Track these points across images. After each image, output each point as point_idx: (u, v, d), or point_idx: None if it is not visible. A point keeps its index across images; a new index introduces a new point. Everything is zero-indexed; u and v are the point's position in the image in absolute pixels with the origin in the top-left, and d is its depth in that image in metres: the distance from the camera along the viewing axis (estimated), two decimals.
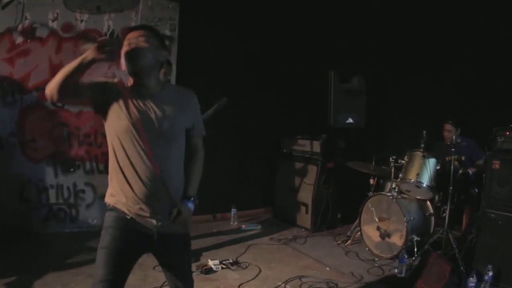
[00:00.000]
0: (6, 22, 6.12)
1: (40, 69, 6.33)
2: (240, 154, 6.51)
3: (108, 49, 2.52)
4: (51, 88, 2.48)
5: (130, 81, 2.81)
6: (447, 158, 6.10)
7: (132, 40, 2.72)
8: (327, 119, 7.47)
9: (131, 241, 2.77)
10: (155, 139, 2.75)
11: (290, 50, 8.00)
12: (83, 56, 2.51)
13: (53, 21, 6.38)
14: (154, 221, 2.79)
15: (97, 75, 2.75)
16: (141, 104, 2.77)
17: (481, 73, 6.45)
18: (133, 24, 6.71)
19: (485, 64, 6.39)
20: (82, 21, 6.51)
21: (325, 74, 7.48)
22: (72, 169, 6.66)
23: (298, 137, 7.86)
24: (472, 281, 4.73)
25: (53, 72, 5.96)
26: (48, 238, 6.25)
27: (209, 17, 7.11)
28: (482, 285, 4.79)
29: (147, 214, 2.76)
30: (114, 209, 2.80)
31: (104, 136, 6.23)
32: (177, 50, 7.11)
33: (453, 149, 5.78)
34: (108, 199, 2.86)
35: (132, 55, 2.67)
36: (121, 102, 2.74)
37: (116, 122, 2.73)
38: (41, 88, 6.29)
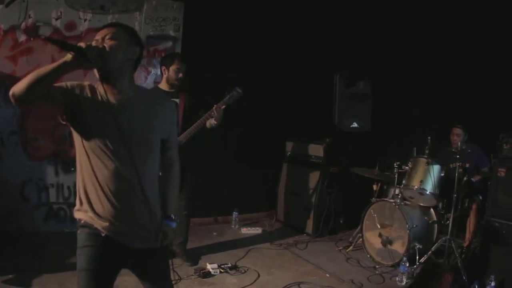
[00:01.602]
0: (9, 19, 6.11)
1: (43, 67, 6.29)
2: (243, 157, 6.47)
3: (88, 57, 2.34)
4: (21, 88, 2.25)
5: (100, 86, 2.59)
6: (451, 165, 6.04)
7: (98, 40, 2.56)
8: (332, 123, 7.43)
9: (109, 258, 2.62)
10: (130, 150, 2.54)
11: (295, 53, 7.96)
12: (61, 61, 2.31)
13: (56, 19, 6.37)
14: (130, 238, 2.66)
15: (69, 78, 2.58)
16: (113, 111, 2.55)
17: (489, 79, 6.40)
18: (137, 24, 6.76)
19: (493, 70, 6.34)
20: (85, 20, 6.51)
21: (330, 77, 7.46)
22: (73, 169, 6.57)
23: (302, 141, 7.83)
24: None
25: None
26: (48, 237, 6.22)
27: (213, 18, 7.09)
28: None
29: (123, 230, 2.62)
30: (86, 225, 2.62)
31: None
32: (181, 51, 7.10)
33: (457, 156, 5.69)
34: (78, 214, 2.67)
35: (96, 53, 2.42)
36: (92, 109, 2.54)
37: (87, 131, 2.54)
38: None
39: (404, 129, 7.75)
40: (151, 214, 2.69)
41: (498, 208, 5.13)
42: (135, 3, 6.72)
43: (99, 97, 2.57)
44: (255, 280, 5.30)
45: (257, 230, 7.40)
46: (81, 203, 2.64)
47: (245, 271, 5.55)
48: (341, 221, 7.50)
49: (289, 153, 8.09)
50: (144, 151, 2.65)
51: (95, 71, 2.51)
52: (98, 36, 2.57)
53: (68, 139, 6.55)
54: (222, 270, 5.45)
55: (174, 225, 2.89)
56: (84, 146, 2.55)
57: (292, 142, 8.06)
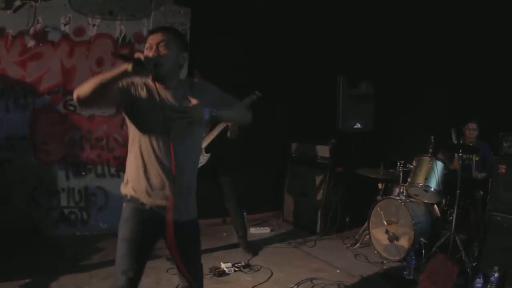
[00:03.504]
0: (18, 25, 6.29)
1: (52, 72, 6.53)
2: (250, 159, 6.73)
3: (145, 68, 2.79)
4: (85, 93, 2.72)
5: (152, 83, 3.01)
6: (463, 156, 6.25)
7: (153, 45, 2.94)
8: (335, 123, 7.72)
9: (148, 230, 3.07)
10: (176, 134, 3.02)
11: (299, 55, 8.17)
12: (122, 70, 2.72)
13: (65, 25, 6.57)
14: (171, 211, 3.06)
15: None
16: (162, 103, 3.01)
17: (492, 78, 6.67)
18: (145, 29, 6.96)
19: (495, 69, 6.60)
20: (94, 25, 6.72)
21: (333, 79, 7.74)
22: (83, 173, 6.85)
23: (307, 141, 8.08)
24: (478, 282, 4.92)
25: (65, 75, 6.36)
26: (60, 241, 6.42)
27: (219, 23, 7.27)
28: (488, 286, 4.99)
29: (164, 204, 3.05)
30: (131, 199, 3.09)
31: (115, 140, 6.61)
32: (189, 55, 7.26)
33: (460, 152, 6.08)
34: (124, 189, 3.14)
35: (153, 63, 2.86)
36: (144, 105, 3.00)
37: (140, 122, 3.04)
38: (53, 91, 6.55)
39: (407, 128, 7.94)
40: (189, 192, 3.22)
41: (499, 202, 5.47)
42: (143, 9, 6.94)
43: (151, 95, 3.03)
44: (269, 278, 5.56)
45: (266, 230, 7.68)
46: (127, 181, 3.14)
47: (259, 269, 5.81)
48: (348, 219, 7.72)
49: (294, 154, 8.35)
50: (188, 135, 3.12)
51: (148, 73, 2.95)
52: (153, 41, 2.96)
53: (79, 143, 6.80)
54: (236, 269, 5.71)
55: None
56: (137, 134, 3.06)
57: (298, 143, 8.32)
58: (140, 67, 2.75)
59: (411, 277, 5.60)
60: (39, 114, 6.57)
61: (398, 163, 6.63)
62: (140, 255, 3.06)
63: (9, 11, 6.25)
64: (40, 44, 6.48)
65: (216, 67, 7.09)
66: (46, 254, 5.94)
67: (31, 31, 6.39)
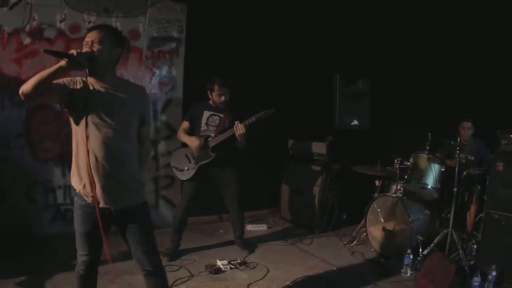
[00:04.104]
0: (14, 22, 6.29)
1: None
2: (247, 156, 6.75)
3: (79, 62, 3.06)
4: (28, 88, 2.96)
5: (90, 78, 3.31)
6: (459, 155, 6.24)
7: (88, 42, 3.23)
8: (332, 121, 7.75)
9: (95, 222, 3.34)
10: (112, 129, 3.31)
11: (295, 53, 8.21)
12: (57, 66, 3.02)
13: (60, 22, 6.57)
14: (104, 203, 3.36)
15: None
16: (101, 97, 3.30)
17: (488, 76, 6.69)
18: (141, 26, 7.01)
19: (492, 67, 6.63)
20: (90, 22, 6.69)
21: (330, 76, 7.75)
22: None
23: (304, 139, 8.09)
24: (476, 280, 4.94)
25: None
26: (56, 239, 6.37)
27: (216, 19, 7.30)
28: (486, 284, 5.01)
29: (102, 197, 3.35)
30: (77, 194, 3.44)
31: None
32: (185, 52, 7.35)
33: (458, 150, 6.05)
34: (72, 182, 3.46)
35: (84, 58, 3.10)
36: (83, 98, 3.23)
37: (79, 114, 3.26)
38: None
39: (403, 125, 8.00)
40: (128, 179, 3.47)
41: (497, 200, 5.47)
42: (139, 6, 6.95)
43: (88, 88, 3.28)
44: (265, 275, 5.57)
45: (263, 227, 7.73)
46: (72, 171, 3.43)
47: (255, 267, 5.82)
48: (344, 217, 7.78)
49: (291, 151, 8.37)
50: (123, 127, 3.40)
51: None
52: (88, 39, 3.25)
53: None
54: (232, 266, 5.74)
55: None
56: (76, 126, 3.32)
57: (294, 140, 8.34)
58: (74, 62, 3.03)
59: (408, 275, 5.63)
60: (35, 112, 6.58)
61: (395, 160, 6.64)
62: (91, 244, 3.53)
63: (4, 9, 6.24)
64: (36, 41, 6.47)
65: (211, 63, 7.18)
66: (41, 252, 5.98)
67: (27, 28, 6.39)
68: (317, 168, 7.76)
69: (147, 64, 7.12)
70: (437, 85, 7.46)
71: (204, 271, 5.58)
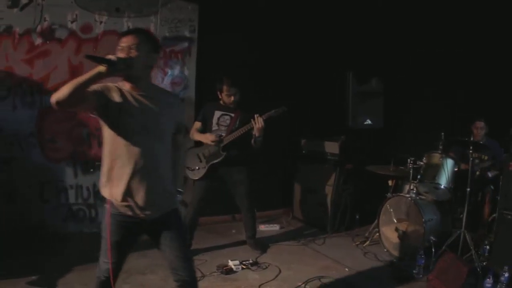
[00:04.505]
0: (25, 23, 6.32)
1: (59, 70, 6.55)
2: (259, 155, 6.76)
3: (118, 68, 2.98)
4: (62, 97, 2.87)
5: (125, 84, 3.25)
6: (474, 155, 6.22)
7: (124, 47, 3.14)
8: (345, 120, 7.69)
9: (126, 232, 3.34)
10: (149, 137, 3.24)
11: (308, 52, 8.15)
12: (96, 72, 2.92)
13: (72, 22, 6.59)
14: (142, 212, 3.29)
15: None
16: (137, 105, 3.22)
17: (501, 75, 6.65)
18: (152, 26, 7.00)
19: (507, 66, 6.58)
20: (101, 22, 6.74)
21: (343, 75, 7.70)
22: (91, 170, 6.88)
23: (317, 138, 8.04)
24: (488, 281, 4.89)
25: (73, 73, 6.35)
26: (68, 238, 6.48)
27: (227, 19, 7.27)
28: (498, 286, 4.96)
29: (136, 206, 3.26)
30: (109, 203, 3.33)
31: None
32: (197, 51, 7.34)
33: (481, 146, 6.18)
34: (103, 191, 3.36)
35: (123, 64, 3.03)
36: (118, 106, 3.16)
37: (115, 123, 3.18)
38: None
39: (416, 125, 7.91)
40: (165, 187, 3.41)
41: (510, 201, 5.41)
42: (151, 5, 6.95)
43: (124, 96, 3.19)
44: (276, 276, 5.56)
45: (275, 227, 7.70)
46: (103, 182, 3.34)
47: (266, 267, 5.81)
48: (357, 217, 7.72)
49: (304, 150, 8.31)
50: (160, 136, 3.34)
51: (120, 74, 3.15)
52: (124, 44, 3.16)
53: (87, 140, 6.83)
54: (244, 267, 5.73)
55: (179, 197, 3.58)
56: (111, 135, 3.21)
57: (307, 140, 8.28)
58: (113, 68, 2.93)
59: (421, 276, 5.59)
60: (46, 112, 6.59)
61: (408, 160, 6.59)
62: (117, 253, 3.37)
63: (15, 10, 6.27)
64: (47, 42, 6.50)
65: (223, 62, 7.12)
66: (53, 251, 5.99)
67: (38, 29, 6.42)
68: (330, 167, 7.70)
69: (159, 64, 7.08)
70: (450, 85, 7.40)
71: (215, 271, 5.58)
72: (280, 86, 7.87)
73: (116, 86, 3.23)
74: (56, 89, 6.23)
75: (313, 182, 7.95)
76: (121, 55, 3.10)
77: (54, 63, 6.57)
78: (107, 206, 3.38)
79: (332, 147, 7.76)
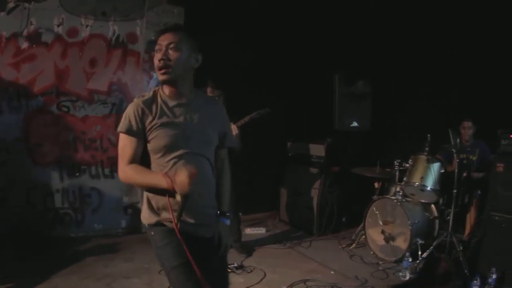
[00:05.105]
0: (11, 27, 6.19)
1: (45, 74, 6.41)
2: (246, 158, 6.54)
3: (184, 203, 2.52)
4: (124, 178, 2.70)
5: (165, 90, 2.79)
6: (461, 156, 6.15)
7: (162, 48, 2.69)
8: (331, 122, 7.50)
9: (193, 249, 2.60)
10: (193, 147, 2.76)
11: (295, 54, 7.98)
12: (162, 185, 2.53)
13: (58, 26, 6.44)
14: (198, 228, 2.79)
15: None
16: (177, 112, 2.76)
17: (488, 76, 6.44)
18: (138, 29, 6.83)
19: (492, 67, 6.38)
20: (87, 26, 6.56)
21: (330, 78, 7.50)
22: (77, 174, 6.72)
23: (303, 140, 7.86)
24: (476, 283, 4.72)
25: (59, 77, 6.30)
26: (54, 242, 6.33)
27: (213, 22, 7.07)
28: (486, 287, 4.77)
29: (192, 222, 2.74)
30: (156, 224, 2.74)
31: (109, 141, 6.66)
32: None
33: (468, 148, 6.07)
34: (147, 216, 2.80)
35: (162, 67, 2.66)
36: (156, 120, 2.71)
37: (157, 137, 2.71)
38: (47, 92, 6.45)
39: (404, 127, 7.77)
40: (210, 202, 2.92)
41: (498, 202, 5.17)
42: (137, 9, 6.76)
43: (160, 108, 2.74)
44: (261, 279, 5.36)
45: (261, 230, 7.47)
46: (151, 208, 2.77)
47: (251, 271, 5.62)
48: (344, 219, 7.51)
49: (290, 153, 8.11)
50: (204, 147, 2.85)
51: (158, 78, 2.74)
52: (163, 42, 2.70)
53: (73, 145, 6.66)
54: (229, 270, 5.24)
55: (228, 222, 3.03)
56: (153, 149, 2.74)
57: (294, 142, 8.09)
58: (185, 201, 2.51)
59: (407, 278, 5.39)
60: (33, 116, 6.47)
61: (395, 162, 6.39)
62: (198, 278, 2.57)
63: (2, 13, 6.18)
64: (34, 46, 6.37)
65: (210, 66, 6.78)
66: (41, 256, 5.83)
67: (25, 32, 6.29)
68: (316, 170, 7.48)
69: (145, 68, 6.89)
70: (437, 86, 7.19)
71: None
72: (267, 88, 7.71)
73: (152, 97, 2.78)
74: (42, 93, 6.26)
75: (299, 185, 7.74)
76: (157, 56, 2.70)
77: (41, 67, 6.44)
78: (152, 232, 2.79)
79: (318, 150, 7.56)
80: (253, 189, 7.92)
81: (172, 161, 2.71)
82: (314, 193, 7.39)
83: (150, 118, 2.71)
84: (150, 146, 2.74)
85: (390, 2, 7.28)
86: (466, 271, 5.27)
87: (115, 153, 6.62)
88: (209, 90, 5.88)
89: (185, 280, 2.59)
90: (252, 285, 5.18)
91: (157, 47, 2.72)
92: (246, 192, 7.19)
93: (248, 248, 6.41)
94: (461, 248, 5.54)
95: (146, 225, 2.82)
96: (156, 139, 2.71)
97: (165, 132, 2.70)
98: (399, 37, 7.56)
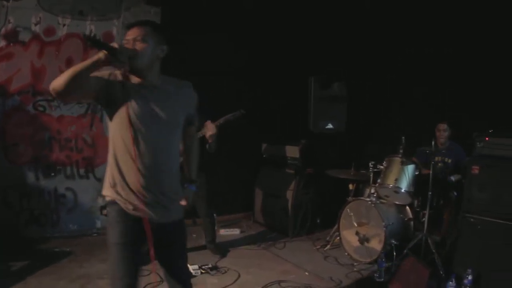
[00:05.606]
0: None
1: (22, 73, 6.16)
2: (220, 159, 6.37)
3: (118, 58, 2.57)
4: (59, 84, 2.48)
5: (131, 76, 2.83)
6: (436, 158, 6.06)
7: (130, 40, 2.76)
8: (307, 125, 7.37)
9: (137, 233, 2.81)
10: (158, 131, 2.81)
11: (271, 56, 7.87)
12: (95, 59, 2.52)
13: (35, 25, 6.19)
14: (153, 213, 2.83)
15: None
16: (144, 97, 2.80)
17: (464, 79, 6.36)
18: (115, 29, 6.65)
19: (468, 70, 6.28)
20: (64, 25, 6.33)
21: (305, 80, 7.38)
22: (53, 174, 6.46)
23: (278, 142, 7.73)
24: (451, 285, 4.57)
25: (35, 76, 6.01)
26: (30, 242, 6.09)
27: (190, 23, 7.00)
28: None
29: (146, 207, 2.80)
30: (114, 203, 2.83)
31: (84, 141, 6.35)
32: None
33: (443, 151, 6.01)
34: (107, 191, 2.88)
35: (126, 54, 2.64)
36: (124, 95, 2.76)
37: (120, 115, 2.76)
38: (23, 92, 6.19)
39: (379, 129, 7.68)
40: (174, 185, 2.96)
41: (473, 204, 5.06)
42: (114, 9, 6.58)
43: (130, 85, 2.79)
44: (235, 280, 5.21)
45: (235, 231, 7.29)
46: (108, 182, 2.86)
47: (226, 271, 5.45)
48: (318, 221, 7.37)
49: (265, 154, 7.99)
50: (169, 129, 2.89)
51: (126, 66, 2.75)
52: (130, 36, 2.77)
53: (48, 144, 6.43)
54: (203, 271, 5.37)
55: (194, 188, 3.19)
56: (116, 129, 2.80)
57: (268, 144, 7.97)
58: (114, 57, 2.55)
59: (382, 279, 5.20)
60: (9, 115, 6.18)
61: (369, 164, 6.24)
62: (133, 260, 2.83)
63: None
64: (11, 44, 6.09)
65: (185, 67, 6.63)
66: (15, 256, 5.59)
67: (3, 31, 6.01)
68: (290, 171, 7.32)
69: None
70: (413, 89, 7.12)
71: None
72: (242, 90, 7.58)
73: (120, 73, 2.84)
74: (19, 92, 5.94)
75: (274, 186, 7.57)
76: (126, 46, 2.73)
77: (17, 66, 6.15)
78: (109, 208, 2.91)
79: (292, 151, 7.41)
80: (228, 190, 7.78)
81: (135, 138, 2.74)
82: (289, 194, 7.22)
83: (116, 86, 2.75)
84: (111, 120, 2.81)
85: (364, 5, 7.25)
86: (441, 272, 5.16)
87: (90, 153, 6.64)
88: None
89: (120, 258, 2.76)
90: (226, 286, 5.03)
91: (124, 41, 2.78)
92: (221, 193, 7.07)
93: (222, 249, 6.22)
94: (436, 249, 5.39)
95: (106, 200, 2.91)
96: (119, 112, 2.76)
97: (128, 107, 2.74)
98: (374, 40, 7.53)
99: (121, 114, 2.76)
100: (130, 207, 2.79)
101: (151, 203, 2.80)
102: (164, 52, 2.88)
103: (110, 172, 2.86)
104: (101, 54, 2.51)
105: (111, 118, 2.82)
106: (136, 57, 2.70)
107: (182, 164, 3.16)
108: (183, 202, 2.98)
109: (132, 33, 2.77)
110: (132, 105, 2.75)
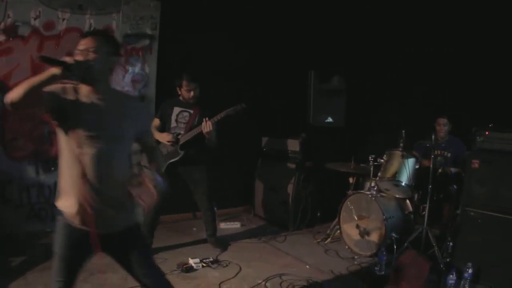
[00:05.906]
0: None
1: (21, 68, 6.06)
2: (221, 153, 6.37)
3: (73, 72, 2.61)
4: (15, 97, 2.50)
5: (83, 87, 2.83)
6: (436, 152, 6.06)
7: (82, 50, 2.77)
8: (306, 118, 7.42)
9: (78, 247, 2.87)
10: (104, 143, 2.81)
11: (270, 50, 7.83)
12: (50, 74, 2.55)
13: (35, 19, 6.12)
14: (99, 225, 2.84)
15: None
16: (92, 108, 2.81)
17: (463, 74, 6.37)
18: (114, 23, 6.56)
19: (467, 65, 6.30)
20: (63, 19, 6.26)
21: (305, 74, 7.41)
22: (53, 168, 6.38)
23: (278, 136, 7.71)
24: (451, 278, 4.57)
25: (35, 71, 5.82)
26: (30, 237, 6.02)
27: (190, 17, 6.95)
28: (462, 282, 4.62)
29: (91, 219, 2.82)
30: (62, 214, 2.89)
31: None
32: (158, 49, 6.95)
33: (443, 145, 6.02)
34: (58, 202, 2.93)
35: (80, 67, 2.66)
36: (74, 108, 2.76)
37: (69, 126, 2.77)
38: None
39: (379, 123, 7.68)
40: (121, 195, 2.95)
41: (473, 198, 5.08)
42: (113, 2, 6.52)
43: (81, 97, 2.79)
44: (237, 273, 5.20)
45: (236, 225, 7.28)
46: (61, 193, 2.88)
47: (227, 265, 5.44)
48: (319, 214, 7.36)
49: (265, 148, 7.95)
50: (117, 143, 2.89)
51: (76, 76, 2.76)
52: (82, 47, 2.76)
53: (48, 139, 6.35)
54: (204, 265, 5.34)
55: (160, 178, 3.15)
56: (65, 140, 2.79)
57: (268, 137, 7.93)
58: (69, 71, 2.59)
59: (382, 273, 5.23)
60: (7, 111, 5.92)
61: (369, 157, 6.22)
62: (69, 270, 2.93)
63: None
64: (10, 39, 6.01)
65: (185, 61, 6.84)
66: (15, 251, 5.54)
67: (2, 25, 5.93)
68: (290, 165, 7.30)
69: (120, 62, 6.61)
70: (413, 83, 7.11)
71: (175, 270, 5.17)
72: (242, 84, 7.54)
73: (73, 87, 2.83)
74: None
75: (274, 180, 7.57)
76: (78, 58, 2.72)
77: (17, 61, 6.06)
78: (58, 217, 2.94)
79: (292, 145, 7.37)
80: (228, 183, 7.77)
81: (83, 150, 2.76)
82: (289, 188, 7.22)
83: (67, 100, 2.76)
84: (62, 133, 2.81)
85: (381, 3, 7.20)
86: (442, 266, 5.16)
87: None
88: (184, 83, 5.67)
89: (56, 265, 2.87)
90: (227, 279, 5.00)
91: (77, 50, 2.79)
92: (221, 187, 7.07)
93: (223, 243, 6.21)
94: (437, 243, 5.39)
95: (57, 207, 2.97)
96: (69, 124, 2.77)
97: (78, 120, 2.76)
98: (375, 34, 7.53)
99: (70, 126, 2.76)
100: (76, 221, 2.82)
101: (97, 214, 2.81)
102: (115, 63, 2.96)
103: (59, 182, 2.89)
104: (55, 70, 2.54)
105: (62, 130, 2.81)
106: (88, 68, 2.71)
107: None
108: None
109: (85, 44, 2.79)
110: (81, 116, 2.76)
